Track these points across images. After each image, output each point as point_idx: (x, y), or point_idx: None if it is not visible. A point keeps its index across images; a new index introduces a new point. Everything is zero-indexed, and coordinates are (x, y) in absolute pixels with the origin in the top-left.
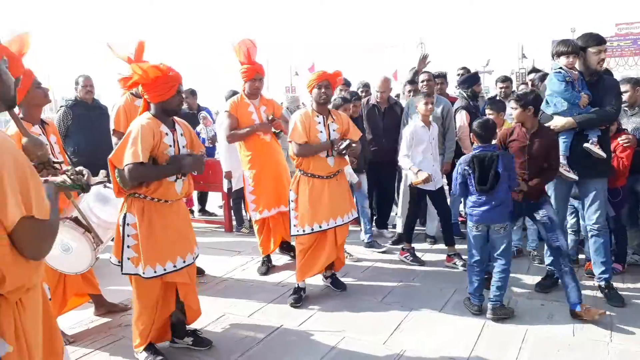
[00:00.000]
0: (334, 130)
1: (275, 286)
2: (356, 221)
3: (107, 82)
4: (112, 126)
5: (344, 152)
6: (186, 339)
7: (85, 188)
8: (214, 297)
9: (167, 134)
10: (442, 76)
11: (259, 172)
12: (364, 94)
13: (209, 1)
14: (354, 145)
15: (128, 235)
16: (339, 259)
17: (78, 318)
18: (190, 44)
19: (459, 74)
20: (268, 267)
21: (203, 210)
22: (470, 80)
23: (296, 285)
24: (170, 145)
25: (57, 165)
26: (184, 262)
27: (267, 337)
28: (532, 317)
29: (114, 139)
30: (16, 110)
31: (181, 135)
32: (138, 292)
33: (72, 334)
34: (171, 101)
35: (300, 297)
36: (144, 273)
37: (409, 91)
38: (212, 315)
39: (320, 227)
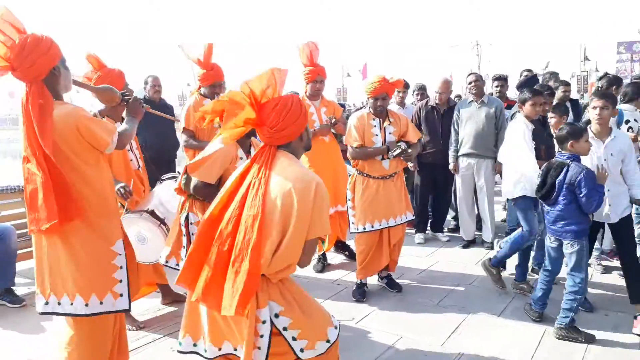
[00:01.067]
0: (390, 133)
1: (331, 284)
2: (411, 224)
3: (173, 82)
4: (182, 124)
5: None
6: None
7: None
8: None
9: (241, 158)
10: (503, 79)
11: (317, 172)
12: (419, 96)
13: (264, 3)
14: (409, 151)
15: (193, 234)
16: (393, 260)
17: (147, 306)
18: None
19: (524, 76)
20: (323, 265)
21: None
22: (530, 83)
23: (358, 281)
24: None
25: (128, 98)
26: None
27: None
28: (595, 326)
29: (183, 137)
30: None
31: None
32: None
33: (142, 320)
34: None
35: (364, 292)
36: None
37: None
38: None
39: (372, 226)
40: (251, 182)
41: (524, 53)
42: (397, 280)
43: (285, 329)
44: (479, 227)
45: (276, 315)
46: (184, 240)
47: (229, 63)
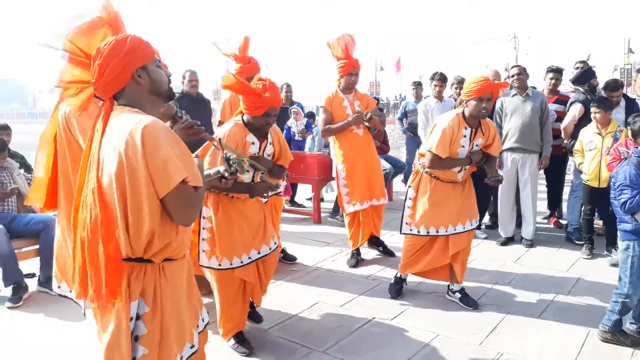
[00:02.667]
0: (476, 145)
1: (366, 279)
2: None
3: (209, 77)
4: (218, 117)
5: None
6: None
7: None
8: (307, 286)
9: (253, 143)
10: (559, 71)
11: (352, 166)
12: (458, 89)
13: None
14: (499, 178)
15: (203, 228)
16: (457, 272)
17: None
18: (287, 40)
19: (577, 67)
20: (357, 260)
21: (292, 201)
22: (585, 76)
23: (397, 275)
24: (255, 155)
25: (183, 117)
26: (259, 253)
27: (360, 328)
28: None
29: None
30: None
31: (270, 144)
32: (219, 285)
33: None
34: (256, 120)
35: (400, 289)
36: (219, 265)
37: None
38: (306, 302)
39: (427, 232)
40: (91, 151)
41: (563, 45)
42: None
43: (137, 338)
44: (518, 223)
45: (137, 317)
46: (201, 233)
47: (265, 57)
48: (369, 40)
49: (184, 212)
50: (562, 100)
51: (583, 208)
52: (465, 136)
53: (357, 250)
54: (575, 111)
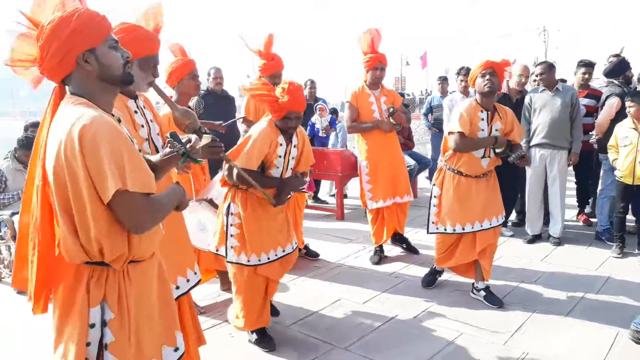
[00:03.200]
0: (496, 130)
1: (389, 276)
2: None
3: (234, 74)
4: (241, 114)
5: (513, 161)
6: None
7: (185, 154)
8: (329, 282)
9: (281, 144)
10: (591, 66)
11: (376, 162)
12: None
13: None
14: (525, 155)
15: (231, 225)
16: (484, 269)
17: (207, 291)
18: (311, 36)
19: (610, 62)
20: (380, 257)
21: (315, 198)
22: (620, 68)
23: (433, 267)
24: (281, 156)
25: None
26: (284, 251)
27: (383, 326)
28: None
29: (242, 127)
30: (170, 93)
31: (294, 146)
32: (244, 280)
33: (202, 306)
34: (279, 122)
35: (434, 280)
36: (248, 261)
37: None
38: (329, 299)
39: (454, 229)
40: (39, 143)
41: (595, 38)
42: (457, 276)
43: (106, 346)
44: (545, 221)
45: (104, 323)
46: (227, 230)
47: (290, 54)
48: (395, 34)
49: (134, 219)
50: (594, 94)
51: (616, 206)
52: (482, 119)
53: (380, 247)
54: (612, 105)
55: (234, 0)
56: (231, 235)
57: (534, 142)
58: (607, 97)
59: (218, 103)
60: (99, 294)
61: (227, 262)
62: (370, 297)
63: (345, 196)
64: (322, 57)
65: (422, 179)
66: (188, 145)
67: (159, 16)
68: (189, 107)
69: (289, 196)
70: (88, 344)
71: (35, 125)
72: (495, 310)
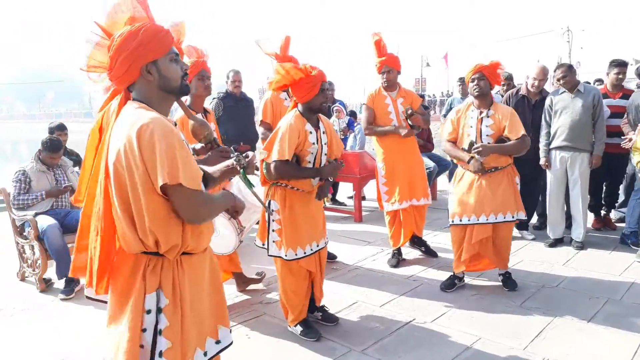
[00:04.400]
0: (487, 126)
1: (406, 279)
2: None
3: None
4: (259, 117)
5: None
6: (316, 313)
7: (245, 168)
8: (347, 284)
9: (310, 132)
10: (624, 65)
11: (393, 165)
12: (505, 86)
13: None
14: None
15: (273, 221)
16: (501, 258)
17: None
18: (327, 38)
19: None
20: (398, 259)
21: (333, 200)
22: None
23: (454, 272)
24: (314, 143)
25: (221, 144)
26: (318, 245)
27: (400, 329)
28: None
29: (260, 129)
30: (183, 98)
31: (323, 133)
32: (287, 274)
33: None
34: (315, 100)
35: (452, 285)
36: (286, 255)
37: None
38: (346, 301)
39: (460, 220)
40: (101, 141)
41: (621, 38)
42: (477, 279)
43: (160, 332)
44: (567, 224)
45: (159, 310)
46: (268, 225)
47: (306, 54)
48: (415, 35)
49: (188, 209)
50: (628, 95)
51: None
52: (472, 117)
53: (398, 250)
54: None
55: (248, 2)
56: (273, 231)
57: (554, 144)
58: None
59: (237, 105)
60: (155, 281)
61: (269, 255)
62: (387, 300)
63: (364, 198)
64: (340, 59)
65: (442, 181)
66: (246, 160)
67: (182, 33)
68: (205, 109)
69: (329, 184)
70: (144, 330)
71: (60, 129)
72: (514, 315)
